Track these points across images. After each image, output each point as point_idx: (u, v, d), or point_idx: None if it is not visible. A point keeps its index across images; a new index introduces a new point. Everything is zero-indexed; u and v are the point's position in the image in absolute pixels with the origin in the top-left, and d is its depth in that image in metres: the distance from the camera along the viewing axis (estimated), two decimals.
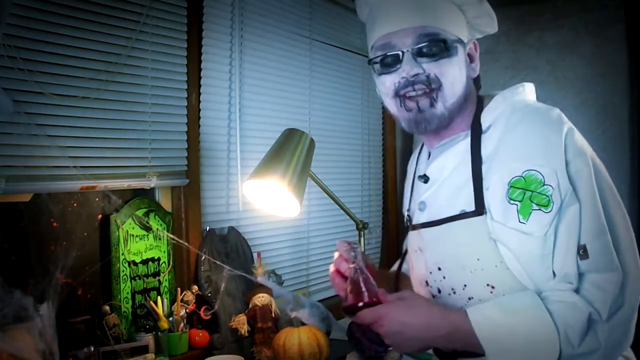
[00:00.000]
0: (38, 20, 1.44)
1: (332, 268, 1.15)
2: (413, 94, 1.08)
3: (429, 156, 1.22)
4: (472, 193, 1.06)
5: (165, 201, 1.87)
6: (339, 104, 2.63)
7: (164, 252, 1.80)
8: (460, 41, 1.10)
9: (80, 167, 1.54)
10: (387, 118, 2.98)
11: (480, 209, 1.04)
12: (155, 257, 1.77)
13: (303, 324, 1.78)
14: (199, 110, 1.92)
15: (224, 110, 2.04)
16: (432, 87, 1.07)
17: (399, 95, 1.09)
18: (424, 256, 1.15)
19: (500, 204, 1.02)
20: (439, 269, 1.12)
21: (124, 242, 1.66)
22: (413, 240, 1.20)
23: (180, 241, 1.77)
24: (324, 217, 2.50)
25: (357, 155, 2.78)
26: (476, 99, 1.16)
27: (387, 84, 1.11)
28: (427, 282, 1.16)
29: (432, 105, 1.08)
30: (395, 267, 1.42)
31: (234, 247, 2.01)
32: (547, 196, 0.98)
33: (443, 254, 1.11)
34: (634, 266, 1.00)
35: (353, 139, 2.74)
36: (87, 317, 1.54)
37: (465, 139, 1.12)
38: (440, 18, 1.08)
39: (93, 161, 1.58)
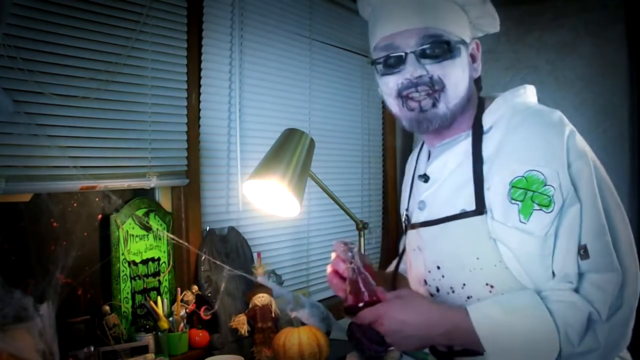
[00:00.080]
0: (38, 20, 1.44)
1: (329, 269, 1.15)
2: (416, 95, 1.08)
3: (429, 155, 1.22)
4: (473, 193, 1.06)
5: (165, 201, 1.87)
6: (339, 104, 2.63)
7: (164, 252, 1.80)
8: (463, 42, 1.10)
9: (80, 167, 1.54)
10: (387, 118, 2.99)
11: (480, 208, 1.05)
12: (155, 257, 1.77)
13: (303, 324, 1.78)
14: (199, 110, 1.92)
15: (224, 110, 2.04)
16: (435, 88, 1.07)
17: (402, 96, 1.10)
18: (422, 255, 1.16)
19: (501, 203, 1.02)
20: (438, 267, 1.12)
21: (124, 242, 1.66)
22: (412, 239, 1.20)
23: (180, 241, 1.77)
24: (324, 217, 2.50)
25: (357, 155, 2.78)
26: (477, 99, 1.16)
27: (390, 84, 1.11)
28: (425, 281, 1.16)
29: (434, 105, 1.08)
30: (392, 267, 1.42)
31: (234, 247, 2.01)
32: (549, 196, 0.98)
33: (442, 253, 1.11)
34: (633, 267, 1.01)
35: (353, 139, 2.74)
36: (87, 317, 1.54)
37: (466, 139, 1.12)
38: (443, 19, 1.08)
39: (93, 161, 1.58)
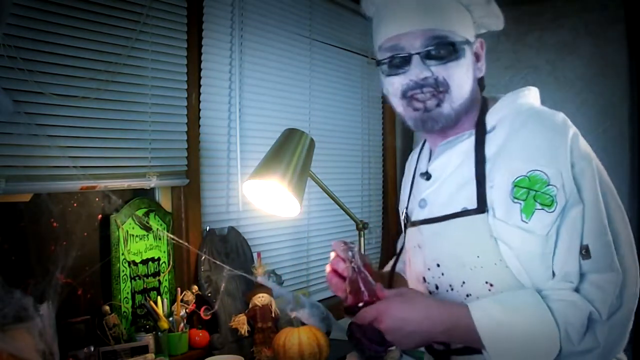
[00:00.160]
0: (38, 20, 1.44)
1: (328, 268, 1.15)
2: (421, 96, 1.09)
3: (431, 154, 1.22)
4: (475, 191, 1.07)
5: (165, 201, 1.87)
6: (339, 104, 2.63)
7: (164, 252, 1.80)
8: (468, 42, 1.10)
9: (80, 167, 1.54)
10: (387, 118, 2.99)
11: (482, 207, 1.05)
12: (155, 257, 1.77)
13: (303, 324, 1.78)
14: (199, 110, 1.92)
15: (224, 110, 2.04)
16: (440, 89, 1.08)
17: (407, 96, 1.10)
18: (422, 253, 1.16)
19: (503, 202, 1.02)
20: (438, 265, 1.12)
21: (124, 242, 1.66)
22: (412, 236, 1.20)
23: (180, 241, 1.77)
24: (324, 217, 2.50)
25: (357, 155, 2.78)
26: (480, 99, 1.17)
27: (395, 85, 1.11)
28: (424, 279, 1.16)
29: (439, 105, 1.09)
30: (389, 266, 1.42)
31: (234, 247, 2.01)
32: (551, 196, 0.99)
33: (443, 251, 1.11)
34: (633, 268, 1.01)
35: (353, 139, 2.74)
36: (87, 317, 1.54)
37: (469, 137, 1.12)
38: (448, 20, 1.08)
39: (93, 161, 1.58)
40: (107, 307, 1.58)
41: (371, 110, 2.87)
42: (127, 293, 1.67)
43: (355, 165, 2.77)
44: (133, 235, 1.70)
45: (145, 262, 1.73)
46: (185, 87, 1.86)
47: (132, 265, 1.68)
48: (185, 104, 1.86)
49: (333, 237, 2.51)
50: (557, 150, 1.01)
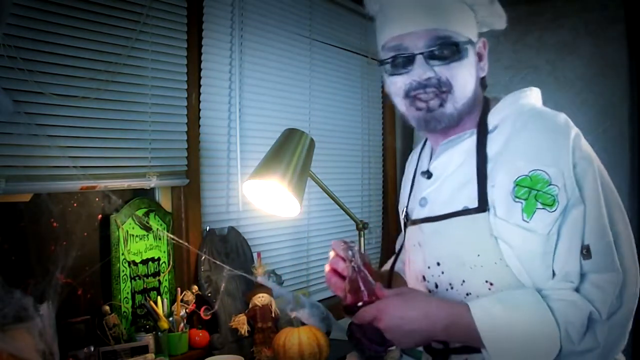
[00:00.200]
0: (38, 20, 1.44)
1: (327, 267, 1.15)
2: (424, 96, 1.09)
3: (432, 153, 1.22)
4: (476, 190, 1.07)
5: (165, 201, 1.87)
6: (339, 104, 2.63)
7: (164, 252, 1.80)
8: (471, 42, 1.10)
9: (80, 167, 1.54)
10: (387, 118, 2.99)
11: (483, 206, 1.05)
12: (155, 257, 1.77)
13: (303, 324, 1.78)
14: (199, 110, 1.92)
15: (224, 110, 2.04)
16: (443, 89, 1.08)
17: (410, 96, 1.10)
18: (422, 251, 1.16)
19: (504, 201, 1.02)
20: (438, 264, 1.12)
21: (124, 242, 1.66)
22: (412, 235, 1.20)
23: (180, 241, 1.77)
24: (324, 217, 2.50)
25: (357, 155, 2.78)
26: (483, 99, 1.17)
27: (398, 84, 1.11)
28: (424, 277, 1.16)
29: (442, 105, 1.09)
30: (388, 266, 1.42)
31: (234, 247, 2.01)
32: (553, 196, 0.99)
33: (443, 249, 1.11)
34: (633, 268, 1.02)
35: (353, 139, 2.74)
36: (87, 317, 1.54)
37: (471, 137, 1.13)
38: (452, 20, 1.08)
39: (93, 161, 1.58)
40: (107, 307, 1.58)
41: (371, 110, 2.87)
42: (127, 293, 1.67)
43: (355, 165, 2.77)
44: (133, 235, 1.70)
45: (145, 262, 1.73)
46: (185, 87, 1.86)
47: (132, 265, 1.68)
48: (185, 104, 1.86)
49: (333, 237, 2.51)
50: (559, 150, 1.01)
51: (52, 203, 1.53)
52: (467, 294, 1.08)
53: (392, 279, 1.35)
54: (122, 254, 1.65)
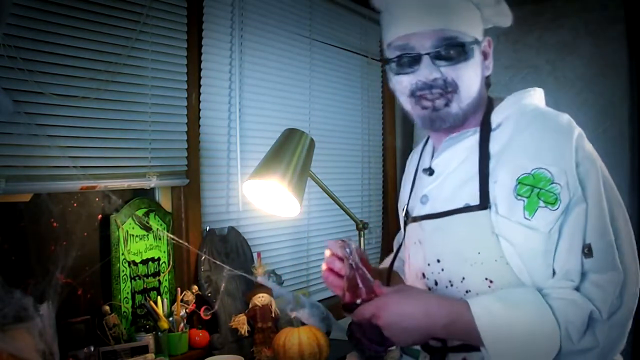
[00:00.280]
0: (38, 20, 1.44)
1: (324, 266, 1.15)
2: (430, 96, 1.09)
3: (434, 150, 1.22)
4: (478, 187, 1.07)
5: (165, 201, 1.87)
6: (339, 104, 2.63)
7: (164, 252, 1.80)
8: (477, 41, 1.11)
9: (80, 167, 1.54)
10: (387, 118, 2.99)
11: (484, 203, 1.05)
12: (155, 257, 1.77)
13: (303, 324, 1.78)
14: (199, 110, 1.92)
15: (224, 110, 2.04)
16: (449, 90, 1.08)
17: (415, 95, 1.10)
18: (423, 248, 1.16)
19: (506, 198, 1.03)
20: (438, 261, 1.12)
21: (124, 242, 1.66)
22: (412, 232, 1.20)
23: (180, 241, 1.77)
24: (324, 217, 2.50)
25: (357, 155, 2.78)
26: (487, 98, 1.17)
27: (403, 83, 1.11)
28: (424, 275, 1.16)
29: (447, 105, 1.09)
30: (386, 263, 1.42)
31: (234, 247, 2.01)
32: (555, 194, 0.99)
33: (444, 246, 1.11)
34: (634, 269, 1.01)
35: (353, 139, 2.74)
36: (87, 317, 1.54)
37: (473, 134, 1.13)
38: (458, 20, 1.08)
39: (93, 161, 1.58)
40: (107, 307, 1.58)
41: (371, 110, 2.87)
42: (127, 293, 1.67)
43: (355, 165, 2.77)
44: (133, 235, 1.70)
45: (145, 262, 1.73)
46: (185, 87, 1.86)
47: (132, 265, 1.68)
48: (185, 104, 1.86)
49: (333, 237, 2.49)
50: (562, 149, 1.01)
51: (52, 203, 1.53)
52: (467, 292, 1.08)
53: (392, 278, 1.35)
54: (122, 254, 1.65)
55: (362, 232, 2.00)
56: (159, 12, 1.74)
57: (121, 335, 1.58)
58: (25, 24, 1.41)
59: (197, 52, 1.90)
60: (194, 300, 1.78)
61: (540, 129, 1.05)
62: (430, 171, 1.18)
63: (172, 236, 1.78)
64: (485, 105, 1.16)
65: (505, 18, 1.17)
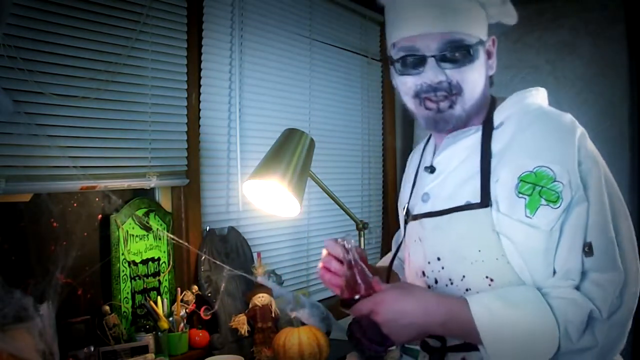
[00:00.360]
0: (38, 20, 1.44)
1: (320, 265, 1.15)
2: (434, 99, 1.09)
3: (435, 148, 1.22)
4: (479, 185, 1.07)
5: (165, 201, 1.87)
6: (339, 104, 2.63)
7: (164, 252, 1.80)
8: (481, 41, 1.10)
9: (80, 167, 1.54)
10: (387, 118, 2.99)
11: (485, 201, 1.05)
12: (155, 257, 1.77)
13: (303, 324, 1.78)
14: (199, 110, 1.92)
15: (224, 110, 2.04)
16: (453, 92, 1.08)
17: (420, 97, 1.10)
18: (423, 246, 1.16)
19: (508, 196, 1.02)
20: (438, 259, 1.12)
21: (124, 242, 1.66)
22: (413, 230, 1.20)
23: (180, 241, 1.77)
24: (324, 217, 2.50)
25: (357, 155, 2.78)
26: (489, 96, 1.17)
27: (408, 84, 1.11)
28: (424, 273, 1.16)
29: (451, 107, 1.09)
30: (385, 262, 1.42)
31: (234, 247, 2.01)
32: (557, 192, 0.99)
33: (444, 244, 1.11)
34: (634, 269, 1.01)
35: (353, 139, 2.74)
36: (87, 317, 1.54)
37: (476, 132, 1.13)
38: (464, 21, 1.07)
39: (93, 161, 1.58)
40: (107, 307, 1.58)
41: (371, 110, 2.87)
42: (127, 293, 1.67)
43: (355, 165, 2.77)
44: (133, 235, 1.70)
45: (145, 262, 1.73)
46: (185, 87, 1.86)
47: (132, 265, 1.68)
48: (185, 104, 1.86)
49: (333, 237, 2.51)
50: (564, 148, 1.01)
51: (52, 203, 1.53)
52: (467, 290, 1.08)
53: (391, 276, 1.35)
54: (122, 254, 1.65)
55: (362, 232, 2.00)
56: (159, 12, 1.74)
57: (121, 335, 1.58)
58: (25, 24, 1.41)
59: (197, 52, 1.90)
60: (194, 300, 1.78)
61: (542, 128, 1.05)
62: (431, 169, 1.18)
63: (172, 236, 1.78)
64: (488, 104, 1.16)
65: (510, 18, 1.17)
